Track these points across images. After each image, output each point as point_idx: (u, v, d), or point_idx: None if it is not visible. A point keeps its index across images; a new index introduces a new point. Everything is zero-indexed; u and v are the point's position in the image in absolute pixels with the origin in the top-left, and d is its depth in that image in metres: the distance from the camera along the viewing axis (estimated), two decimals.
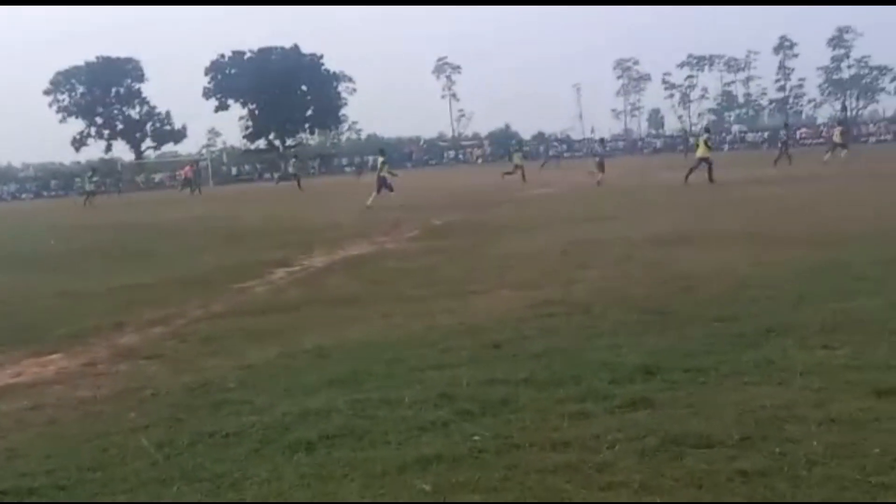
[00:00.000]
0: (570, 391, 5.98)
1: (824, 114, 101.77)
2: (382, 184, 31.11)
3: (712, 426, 5.07)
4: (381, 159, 32.77)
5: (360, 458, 4.93)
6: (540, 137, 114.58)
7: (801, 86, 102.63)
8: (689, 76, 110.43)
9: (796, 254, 11.92)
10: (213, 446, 5.37)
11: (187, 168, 66.98)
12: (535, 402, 5.79)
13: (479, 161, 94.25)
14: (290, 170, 61.38)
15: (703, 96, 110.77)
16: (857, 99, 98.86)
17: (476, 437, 5.15)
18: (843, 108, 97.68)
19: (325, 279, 13.13)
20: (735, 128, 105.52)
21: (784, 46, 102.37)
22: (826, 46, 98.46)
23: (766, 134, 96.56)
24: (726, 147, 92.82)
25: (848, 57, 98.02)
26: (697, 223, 17.40)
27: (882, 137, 67.96)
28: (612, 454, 4.77)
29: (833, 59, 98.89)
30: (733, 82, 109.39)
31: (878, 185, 25.01)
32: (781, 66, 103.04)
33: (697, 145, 34.11)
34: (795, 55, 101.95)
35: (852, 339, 6.95)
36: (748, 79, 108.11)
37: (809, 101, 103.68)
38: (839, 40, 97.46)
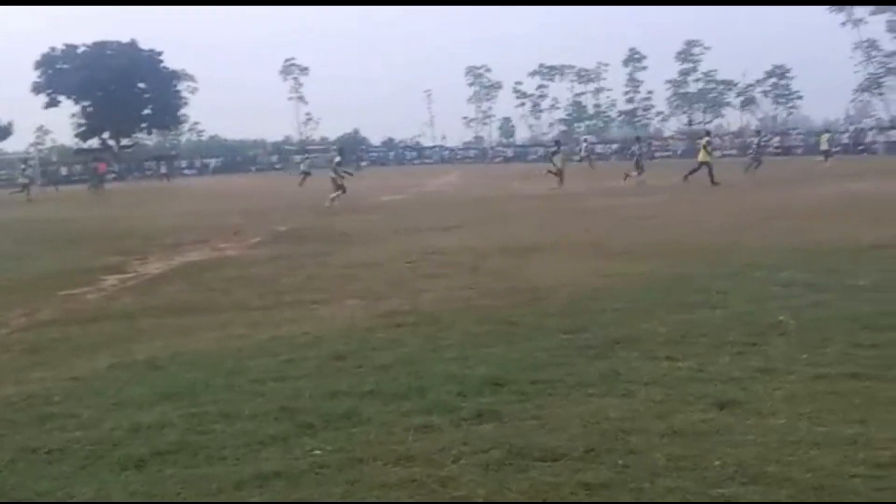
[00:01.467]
0: (416, 404, 6.00)
1: (672, 127, 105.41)
2: (336, 183, 30.87)
3: (558, 438, 5.17)
4: (336, 158, 32.46)
5: (195, 474, 4.83)
6: (389, 143, 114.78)
7: (649, 98, 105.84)
8: (541, 85, 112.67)
9: (644, 266, 12.28)
10: (37, 463, 5.17)
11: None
12: (379, 415, 5.79)
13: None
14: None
15: (553, 106, 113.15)
16: (704, 112, 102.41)
17: (317, 452, 5.12)
18: (690, 122, 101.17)
19: (162, 286, 12.79)
20: (585, 138, 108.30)
21: (633, 59, 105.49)
22: (674, 60, 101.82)
23: (615, 146, 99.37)
24: (577, 158, 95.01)
25: (695, 70, 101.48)
26: (547, 234, 17.71)
27: (727, 152, 70.78)
28: (456, 468, 4.81)
29: (681, 72, 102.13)
30: (584, 93, 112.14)
31: (724, 199, 26.01)
32: (631, 79, 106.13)
33: (698, 150, 35.16)
34: (644, 68, 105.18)
35: (696, 351, 7.21)
36: (598, 90, 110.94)
37: (658, 114, 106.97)
38: (687, 54, 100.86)
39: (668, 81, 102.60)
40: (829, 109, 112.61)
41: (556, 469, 4.74)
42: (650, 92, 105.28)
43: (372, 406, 6.01)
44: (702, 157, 33.98)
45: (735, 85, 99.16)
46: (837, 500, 4.27)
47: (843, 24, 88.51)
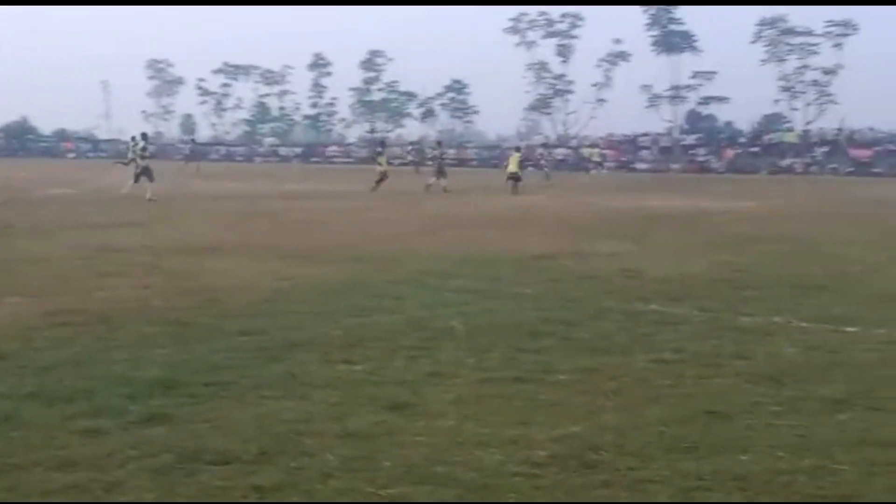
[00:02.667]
0: (83, 406, 5.73)
1: (354, 134, 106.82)
2: (144, 172, 29.16)
3: (231, 441, 5.11)
4: (141, 144, 30.70)
5: None
6: (61, 134, 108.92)
7: (333, 104, 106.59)
8: (225, 84, 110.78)
9: (322, 270, 12.38)
10: None
11: None
12: (41, 419, 5.49)
13: None
14: None
15: (237, 106, 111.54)
16: (386, 122, 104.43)
17: None
18: (372, 130, 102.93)
19: None
20: (268, 140, 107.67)
21: (318, 64, 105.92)
22: (358, 68, 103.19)
23: (299, 149, 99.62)
24: (258, 160, 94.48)
25: (378, 80, 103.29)
26: (227, 235, 17.47)
27: (408, 160, 72.76)
28: (123, 473, 4.64)
29: (364, 80, 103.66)
30: (269, 95, 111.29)
31: (404, 207, 26.71)
32: (315, 83, 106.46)
33: (507, 160, 35.32)
34: (329, 74, 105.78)
35: (371, 355, 7.36)
36: (283, 92, 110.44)
37: (341, 120, 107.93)
38: (371, 63, 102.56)
39: (353, 89, 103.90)
40: (503, 126, 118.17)
41: (227, 472, 4.67)
42: (334, 98, 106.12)
43: (33, 409, 5.68)
44: (512, 167, 35.09)
45: (416, 96, 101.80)
46: (499, 499, 4.48)
47: (518, 45, 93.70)
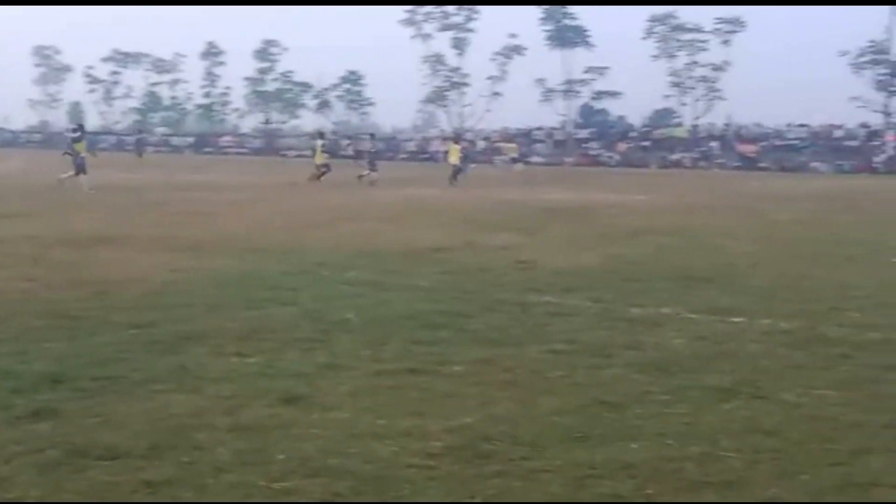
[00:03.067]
0: None
1: (248, 124, 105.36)
2: (81, 164, 28.01)
3: (120, 436, 5.02)
4: (75, 135, 29.50)
5: None
6: None
7: (227, 94, 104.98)
8: (114, 72, 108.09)
9: (215, 262, 12.22)
10: None
11: None
12: None
13: None
14: None
15: (127, 94, 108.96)
16: (281, 112, 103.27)
17: None
18: (267, 121, 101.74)
19: None
20: (160, 129, 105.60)
21: (211, 53, 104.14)
22: (252, 58, 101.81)
23: (191, 139, 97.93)
24: (150, 149, 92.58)
25: (273, 70, 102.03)
26: (117, 226, 17.07)
27: (302, 152, 72.01)
28: (8, 469, 4.54)
29: (259, 70, 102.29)
30: (160, 83, 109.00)
31: (300, 199, 26.49)
32: (208, 73, 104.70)
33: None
34: (223, 63, 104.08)
35: (265, 348, 7.30)
36: (175, 81, 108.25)
37: (235, 110, 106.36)
38: (265, 53, 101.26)
39: (247, 79, 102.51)
40: (399, 118, 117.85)
41: (116, 468, 4.59)
42: (228, 87, 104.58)
43: None
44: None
45: (311, 87, 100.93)
46: (393, 489, 4.49)
47: (413, 37, 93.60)
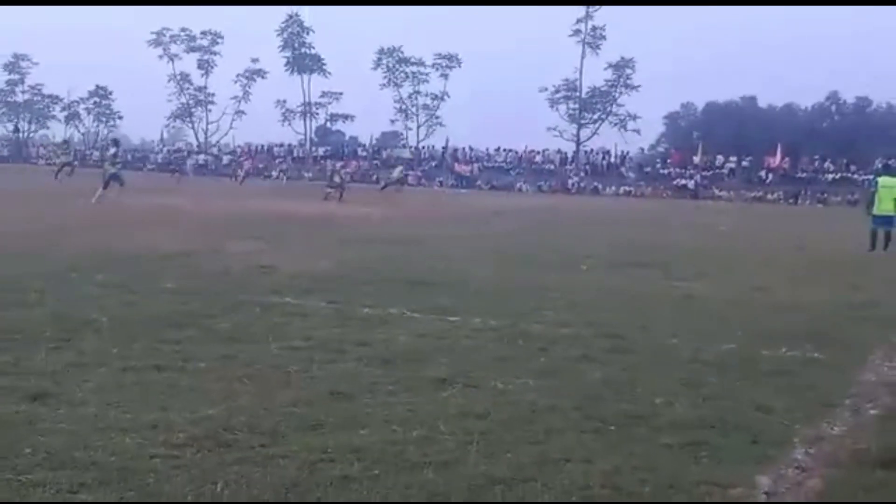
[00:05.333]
0: None
1: None
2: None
3: None
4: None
5: None
6: None
7: None
8: None
9: None
10: None
11: None
12: None
13: None
14: None
15: None
16: (30, 123, 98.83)
17: None
18: (17, 130, 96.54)
19: None
20: None
21: None
22: (2, 70, 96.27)
23: None
24: None
25: (23, 83, 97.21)
26: None
27: (51, 161, 68.00)
28: None
29: (8, 82, 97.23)
30: None
31: (50, 205, 25.00)
32: None
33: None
34: None
35: (12, 348, 6.86)
36: None
37: None
38: (15, 66, 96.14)
39: None
40: (148, 131, 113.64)
41: None
42: None
43: None
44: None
45: (61, 100, 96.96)
46: (138, 478, 4.33)
47: (161, 57, 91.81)
